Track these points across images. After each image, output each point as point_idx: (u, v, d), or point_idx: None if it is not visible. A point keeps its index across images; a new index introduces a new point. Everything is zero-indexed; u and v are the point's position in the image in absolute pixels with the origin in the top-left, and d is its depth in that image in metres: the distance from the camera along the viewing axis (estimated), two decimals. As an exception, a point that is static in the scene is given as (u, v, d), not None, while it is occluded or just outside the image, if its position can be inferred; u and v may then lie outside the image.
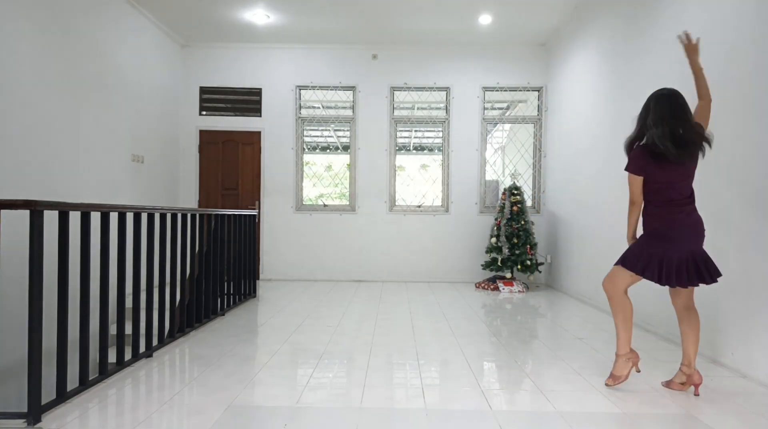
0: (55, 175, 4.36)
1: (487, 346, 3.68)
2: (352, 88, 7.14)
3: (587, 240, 5.50)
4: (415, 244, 7.06)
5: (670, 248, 2.59)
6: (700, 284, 2.64)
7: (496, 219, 6.53)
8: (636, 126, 2.67)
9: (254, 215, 5.65)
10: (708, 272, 2.60)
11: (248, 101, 7.13)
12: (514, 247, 6.24)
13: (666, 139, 2.48)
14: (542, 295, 6.07)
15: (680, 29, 3.79)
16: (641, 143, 2.64)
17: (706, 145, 2.55)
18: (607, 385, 2.79)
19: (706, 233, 2.66)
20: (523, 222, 6.29)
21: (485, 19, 6.09)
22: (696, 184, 3.53)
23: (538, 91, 7.07)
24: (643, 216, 2.72)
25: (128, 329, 3.57)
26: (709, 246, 3.40)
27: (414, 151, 8.03)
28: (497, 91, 7.12)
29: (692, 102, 2.67)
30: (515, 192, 6.39)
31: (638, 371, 2.84)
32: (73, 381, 2.61)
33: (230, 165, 7.15)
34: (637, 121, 2.67)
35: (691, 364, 2.68)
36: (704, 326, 3.42)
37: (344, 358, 3.35)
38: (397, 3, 5.69)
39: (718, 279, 2.64)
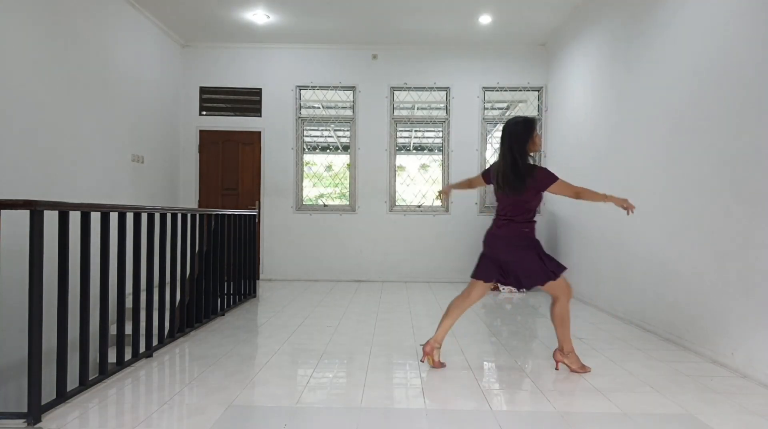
0: (55, 175, 4.36)
1: (487, 346, 3.68)
2: (352, 88, 7.14)
3: (587, 240, 5.50)
4: (415, 244, 7.06)
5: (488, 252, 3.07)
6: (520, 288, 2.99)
7: (496, 219, 6.52)
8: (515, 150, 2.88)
9: (254, 215, 5.64)
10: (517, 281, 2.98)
11: (248, 101, 7.13)
12: (514, 247, 6.23)
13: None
14: (542, 295, 6.06)
15: (680, 29, 3.81)
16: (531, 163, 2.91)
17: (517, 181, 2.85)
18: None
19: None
20: (523, 222, 6.28)
21: (485, 19, 6.09)
22: (696, 184, 3.55)
23: (538, 91, 7.07)
24: (526, 229, 2.93)
25: (128, 329, 3.57)
26: (708, 246, 3.41)
27: (414, 151, 8.02)
28: (497, 91, 7.12)
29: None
30: (515, 192, 6.38)
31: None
32: (73, 381, 2.60)
33: (230, 165, 7.15)
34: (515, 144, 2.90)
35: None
36: (704, 326, 3.42)
37: (344, 358, 3.35)
38: (397, 3, 5.69)
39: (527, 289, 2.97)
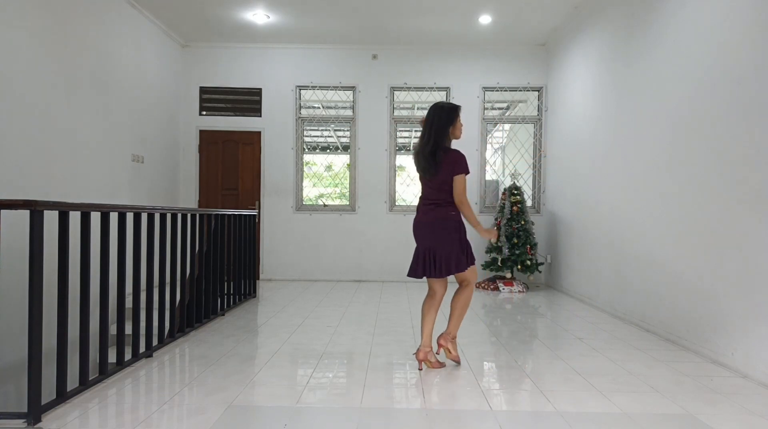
0: (55, 175, 4.36)
1: (487, 346, 3.68)
2: (352, 88, 7.14)
3: (587, 240, 5.50)
4: (415, 244, 7.04)
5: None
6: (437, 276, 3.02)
7: (496, 219, 6.53)
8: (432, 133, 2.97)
9: (254, 215, 5.64)
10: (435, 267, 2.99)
11: (248, 101, 7.13)
12: (514, 247, 6.24)
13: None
14: (542, 295, 6.07)
15: (680, 29, 3.81)
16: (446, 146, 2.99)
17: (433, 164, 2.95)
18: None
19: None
20: (523, 222, 6.29)
21: (485, 19, 6.09)
22: (696, 184, 3.55)
23: (538, 91, 7.07)
24: (453, 212, 3.00)
25: (128, 329, 3.58)
26: (708, 245, 3.41)
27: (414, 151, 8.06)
28: (497, 91, 7.12)
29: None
30: (515, 192, 6.39)
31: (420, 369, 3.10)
32: (73, 381, 2.61)
33: (230, 165, 7.14)
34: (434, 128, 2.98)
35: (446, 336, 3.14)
36: (704, 326, 3.43)
37: (344, 358, 3.35)
38: (397, 3, 5.69)
39: (449, 274, 3.00)
